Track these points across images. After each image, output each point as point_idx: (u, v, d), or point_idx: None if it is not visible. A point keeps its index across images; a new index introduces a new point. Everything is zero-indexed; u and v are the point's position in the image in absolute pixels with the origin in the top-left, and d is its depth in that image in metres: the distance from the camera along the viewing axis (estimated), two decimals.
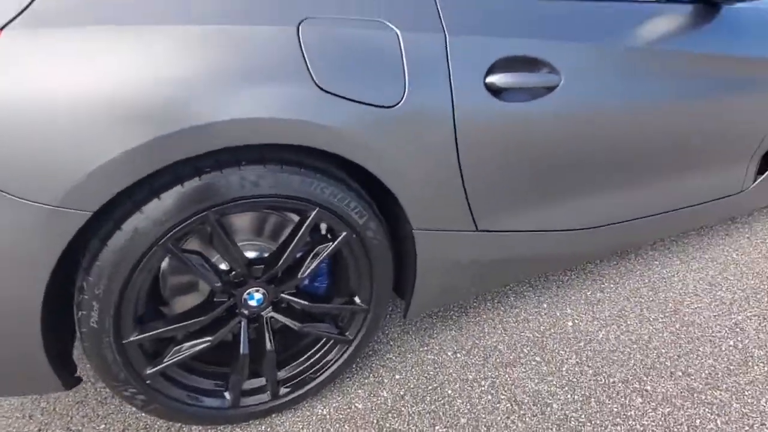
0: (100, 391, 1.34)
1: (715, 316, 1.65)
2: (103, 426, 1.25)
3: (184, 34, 0.89)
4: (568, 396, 1.35)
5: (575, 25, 1.29)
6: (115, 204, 0.92)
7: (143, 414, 1.27)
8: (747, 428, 1.26)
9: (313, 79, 0.98)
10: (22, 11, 0.81)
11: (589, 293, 1.75)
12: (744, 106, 1.66)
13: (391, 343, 1.53)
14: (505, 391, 1.36)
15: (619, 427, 1.26)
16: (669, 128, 1.50)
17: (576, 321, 1.62)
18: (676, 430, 1.26)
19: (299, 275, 1.15)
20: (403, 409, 1.31)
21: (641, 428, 1.26)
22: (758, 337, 1.55)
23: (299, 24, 0.99)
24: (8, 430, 1.24)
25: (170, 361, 1.09)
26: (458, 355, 1.48)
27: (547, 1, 1.27)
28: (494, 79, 1.16)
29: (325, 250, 1.15)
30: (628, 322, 1.61)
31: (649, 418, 1.29)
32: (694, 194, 1.74)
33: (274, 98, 0.94)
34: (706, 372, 1.42)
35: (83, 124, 0.83)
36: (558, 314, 1.65)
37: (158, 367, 1.09)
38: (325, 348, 1.30)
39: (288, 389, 1.26)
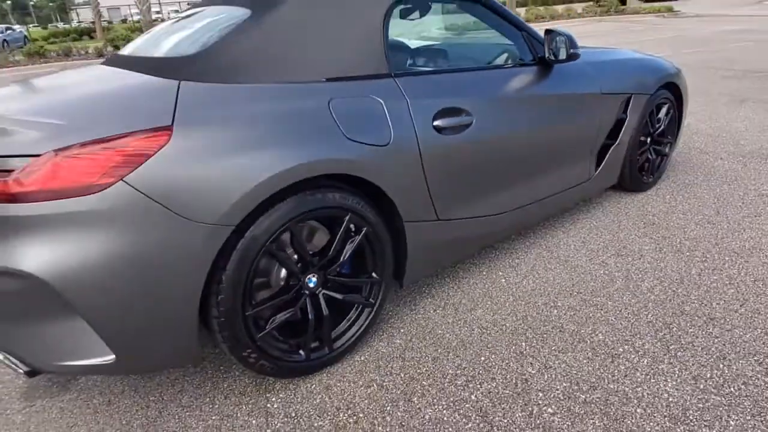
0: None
1: (590, 260, 2.50)
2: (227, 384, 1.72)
3: (284, 118, 1.53)
4: (511, 318, 2.07)
5: (477, 86, 2.11)
6: (242, 220, 1.48)
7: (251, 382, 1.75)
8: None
9: (343, 133, 1.64)
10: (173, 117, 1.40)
11: (511, 260, 2.52)
12: (578, 123, 2.60)
13: (392, 312, 2.15)
14: (472, 324, 2.04)
15: (547, 329, 2.00)
16: (539, 141, 2.37)
17: (506, 278, 2.37)
18: (559, 324, 2.02)
19: (340, 260, 1.76)
20: (413, 347, 1.94)
21: (560, 327, 2.01)
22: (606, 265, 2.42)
23: (329, 102, 1.66)
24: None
25: (270, 327, 1.63)
26: (438, 310, 2.15)
27: (459, 73, 2.08)
28: (437, 123, 1.91)
29: (353, 241, 1.77)
30: (538, 274, 2.40)
31: (544, 317, 2.05)
32: (563, 183, 2.63)
33: (328, 146, 1.59)
34: (577, 297, 2.24)
35: (229, 175, 1.41)
36: (494, 276, 2.39)
37: (263, 332, 1.62)
38: (357, 313, 1.89)
39: (338, 345, 1.83)
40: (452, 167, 2.00)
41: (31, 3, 73.05)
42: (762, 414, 1.55)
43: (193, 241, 1.40)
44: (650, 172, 3.26)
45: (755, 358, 1.77)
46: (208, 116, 1.47)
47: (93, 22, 32.98)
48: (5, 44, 22.42)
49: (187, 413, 1.68)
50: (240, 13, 1.88)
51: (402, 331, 2.04)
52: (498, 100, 2.17)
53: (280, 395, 1.74)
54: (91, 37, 26.96)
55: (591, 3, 26.30)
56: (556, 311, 2.11)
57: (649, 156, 3.22)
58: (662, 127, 3.21)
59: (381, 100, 1.79)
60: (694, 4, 25.06)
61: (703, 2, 27.16)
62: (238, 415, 1.66)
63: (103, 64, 2.21)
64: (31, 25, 49.21)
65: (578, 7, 24.35)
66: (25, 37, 26.65)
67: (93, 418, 1.67)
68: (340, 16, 1.83)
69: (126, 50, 2.26)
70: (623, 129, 2.87)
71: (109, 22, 39.75)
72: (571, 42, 2.34)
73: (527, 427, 1.55)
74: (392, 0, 1.95)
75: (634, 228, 2.80)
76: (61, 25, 51.13)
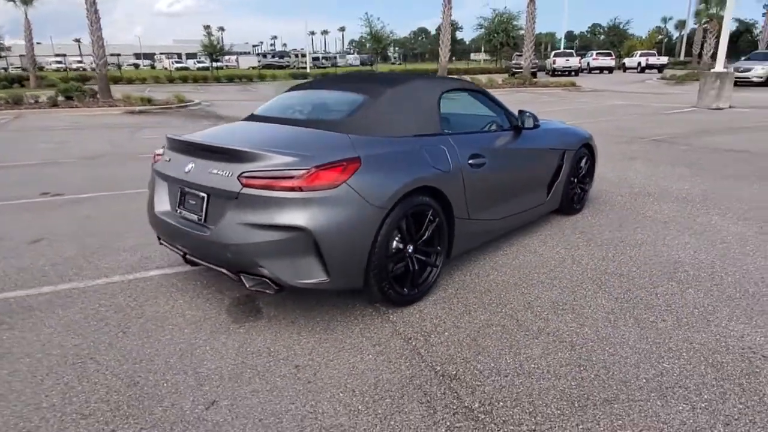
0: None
1: (549, 250, 3.98)
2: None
3: (403, 155, 2.90)
4: (511, 278, 3.46)
5: (487, 141, 3.60)
6: (390, 207, 2.78)
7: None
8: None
9: (431, 164, 3.03)
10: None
11: (503, 252, 3.95)
12: (537, 165, 4.16)
13: (441, 279, 3.47)
14: (489, 282, 3.41)
15: (531, 283, 3.41)
16: (517, 175, 3.89)
17: (502, 260, 3.79)
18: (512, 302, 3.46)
19: (425, 236, 3.08)
20: (458, 291, 3.26)
21: (537, 281, 3.43)
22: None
23: (421, 147, 3.05)
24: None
25: (395, 270, 2.91)
26: (468, 275, 3.51)
27: (477, 134, 3.57)
28: (470, 161, 3.36)
29: (432, 225, 3.11)
30: (520, 258, 3.84)
31: (527, 278, 3.47)
32: (529, 202, 4.15)
33: (425, 171, 2.98)
34: (530, 276, 3.70)
35: (386, 183, 2.74)
36: (496, 259, 3.80)
37: (393, 272, 2.89)
38: (429, 271, 3.19)
39: (421, 289, 3.12)
40: (476, 187, 3.43)
41: None
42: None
43: (373, 215, 2.69)
44: (577, 202, 4.91)
45: (662, 288, 3.28)
46: (370, 152, 2.79)
47: (24, 69, 32.22)
48: None
49: (343, 325, 2.87)
50: (355, 96, 3.28)
51: (451, 284, 3.36)
52: (497, 150, 3.68)
53: (396, 315, 2.98)
54: (23, 85, 26.57)
55: (507, 76, 30.12)
56: (536, 275, 3.54)
57: (576, 191, 4.87)
58: (583, 172, 4.90)
59: (444, 147, 3.20)
60: (591, 80, 29.62)
61: (598, 79, 32.10)
62: (374, 323, 2.88)
63: (248, 119, 3.51)
64: None
65: (498, 78, 27.91)
66: None
67: (286, 330, 2.82)
68: (416, 100, 3.27)
69: (268, 112, 3.56)
70: (562, 171, 4.49)
71: (41, 68, 38.89)
72: (534, 117, 3.92)
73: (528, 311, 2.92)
74: (440, 92, 3.43)
75: (572, 234, 4.36)
76: None
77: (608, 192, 5.72)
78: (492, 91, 22.61)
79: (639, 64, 40.69)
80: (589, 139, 4.93)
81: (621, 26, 65.14)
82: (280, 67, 59.04)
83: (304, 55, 68.61)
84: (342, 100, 3.44)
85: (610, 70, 38.42)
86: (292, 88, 4.05)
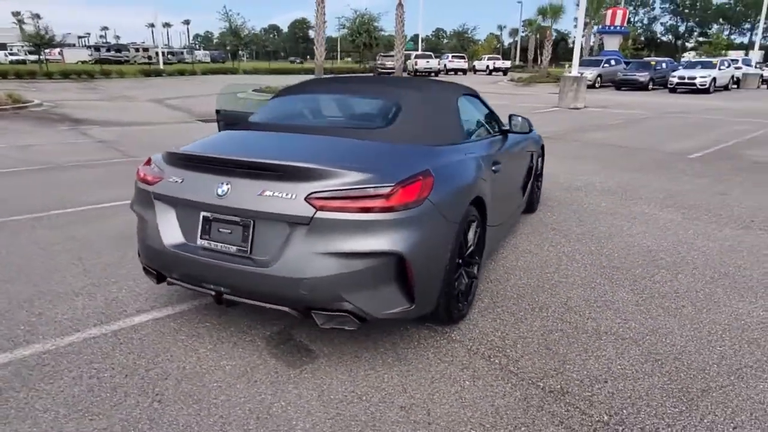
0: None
1: (536, 247, 4.15)
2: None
3: (460, 164, 2.75)
4: (523, 279, 3.54)
5: (498, 146, 3.60)
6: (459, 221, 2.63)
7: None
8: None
9: (475, 172, 2.94)
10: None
11: (503, 255, 4.01)
12: (524, 169, 4.31)
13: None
14: (506, 287, 3.44)
15: (531, 273, 3.52)
16: (515, 180, 3.99)
17: (512, 277, 3.84)
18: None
19: (470, 248, 2.98)
20: (498, 303, 3.23)
21: (537, 267, 3.55)
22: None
23: (465, 156, 2.94)
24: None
25: (459, 287, 2.76)
26: (489, 283, 3.49)
27: (491, 139, 3.55)
28: (493, 167, 3.33)
29: (476, 236, 3.01)
30: (521, 258, 3.94)
31: (531, 267, 3.60)
32: (517, 205, 4.27)
33: (475, 180, 2.87)
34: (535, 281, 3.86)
35: (456, 201, 2.58)
36: (496, 277, 3.84)
37: (455, 291, 2.74)
38: (472, 283, 3.09)
39: (468, 302, 3.02)
40: (496, 193, 3.41)
41: None
42: None
43: (449, 231, 2.53)
44: (536, 201, 5.20)
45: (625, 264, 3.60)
46: (436, 164, 2.60)
47: None
48: None
49: (409, 351, 2.65)
50: (382, 101, 3.06)
51: (479, 294, 3.31)
52: (503, 154, 3.71)
53: (455, 333, 2.83)
54: None
55: (373, 77, 30.87)
56: (547, 276, 3.66)
57: (536, 191, 5.16)
58: (539, 171, 5.20)
59: (476, 154, 3.12)
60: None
61: (456, 80, 34.55)
62: (440, 344, 2.70)
63: (251, 128, 3.07)
64: None
65: None
66: None
67: (355, 367, 2.51)
68: (444, 107, 3.15)
69: (276, 119, 3.13)
70: (532, 172, 4.71)
71: None
72: (529, 123, 4.02)
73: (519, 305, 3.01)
74: (458, 98, 3.35)
75: (546, 231, 4.61)
76: None
77: (543, 188, 6.17)
78: None
79: (488, 66, 44.93)
80: (541, 141, 5.25)
81: (468, 32, 71.17)
82: (118, 62, 52.73)
83: (146, 49, 62.26)
84: (366, 105, 3.16)
85: (464, 71, 41.76)
86: (284, 92, 3.60)
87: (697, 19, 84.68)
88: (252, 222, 2.38)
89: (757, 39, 30.60)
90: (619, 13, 36.64)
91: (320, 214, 2.23)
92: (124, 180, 6.35)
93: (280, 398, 2.27)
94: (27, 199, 5.40)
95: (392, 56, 29.89)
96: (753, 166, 7.68)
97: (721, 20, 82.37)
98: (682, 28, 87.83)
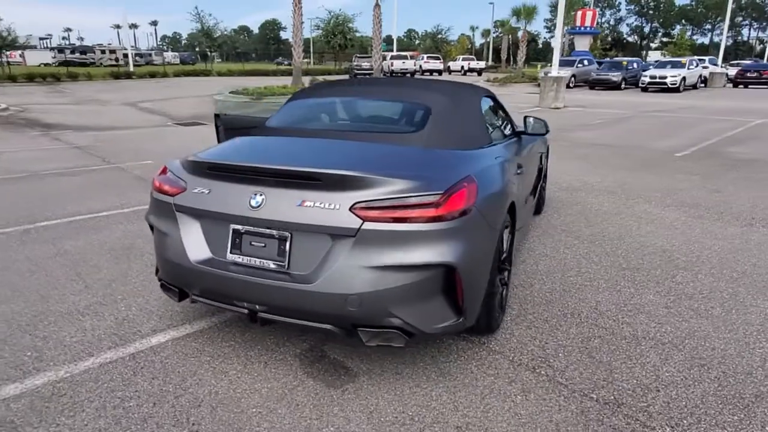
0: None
1: (551, 250, 4.10)
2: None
3: (494, 168, 2.65)
4: (547, 281, 3.47)
5: (518, 148, 3.53)
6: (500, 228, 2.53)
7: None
8: None
9: (507, 177, 2.85)
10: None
11: (523, 260, 3.94)
12: (536, 170, 4.25)
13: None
14: (533, 293, 3.37)
15: (551, 273, 3.46)
16: (531, 182, 3.91)
17: (535, 282, 3.78)
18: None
19: (504, 255, 2.89)
20: (528, 309, 3.15)
21: (558, 268, 3.50)
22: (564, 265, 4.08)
23: (496, 160, 2.85)
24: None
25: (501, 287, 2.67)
26: (516, 289, 3.41)
27: (512, 141, 3.47)
28: (517, 170, 3.24)
29: (509, 243, 2.92)
30: (540, 261, 3.88)
31: (552, 268, 3.55)
32: (530, 208, 4.21)
33: (509, 185, 2.78)
34: (559, 282, 3.81)
35: (497, 207, 2.49)
36: (520, 282, 3.77)
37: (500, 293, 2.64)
38: (503, 286, 3.01)
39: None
40: (520, 197, 3.34)
41: None
42: None
43: (494, 239, 2.43)
44: (543, 202, 5.16)
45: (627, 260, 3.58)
46: (475, 170, 2.49)
47: None
48: None
49: (452, 365, 2.54)
50: (408, 105, 2.94)
51: (515, 304, 3.23)
52: (522, 156, 3.63)
53: (494, 343, 2.73)
54: None
55: (349, 78, 30.71)
56: (571, 279, 3.60)
57: (543, 192, 5.12)
58: (545, 172, 5.17)
59: (504, 158, 3.03)
60: None
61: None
62: (481, 356, 2.60)
63: (268, 133, 2.91)
64: None
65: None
66: None
67: (399, 385, 2.38)
68: (471, 109, 3.05)
69: (295, 124, 2.98)
70: (542, 173, 4.66)
71: None
72: (545, 124, 3.96)
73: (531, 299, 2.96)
74: (480, 99, 3.25)
75: (557, 233, 4.57)
76: None
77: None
78: None
79: (462, 67, 45.17)
80: (547, 143, 5.22)
81: (443, 33, 71.67)
82: (84, 64, 51.07)
83: (113, 51, 60.52)
84: (391, 108, 3.03)
85: (440, 72, 41.89)
86: (300, 95, 3.44)
87: (661, 20, 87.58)
88: (290, 235, 2.23)
89: (723, 39, 31.66)
90: (589, 14, 37.38)
91: (367, 225, 2.10)
92: (108, 188, 6.06)
93: (327, 423, 2.13)
94: (10, 211, 5.08)
95: (369, 57, 29.77)
96: (738, 163, 7.86)
97: (683, 21, 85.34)
98: (647, 29, 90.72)
